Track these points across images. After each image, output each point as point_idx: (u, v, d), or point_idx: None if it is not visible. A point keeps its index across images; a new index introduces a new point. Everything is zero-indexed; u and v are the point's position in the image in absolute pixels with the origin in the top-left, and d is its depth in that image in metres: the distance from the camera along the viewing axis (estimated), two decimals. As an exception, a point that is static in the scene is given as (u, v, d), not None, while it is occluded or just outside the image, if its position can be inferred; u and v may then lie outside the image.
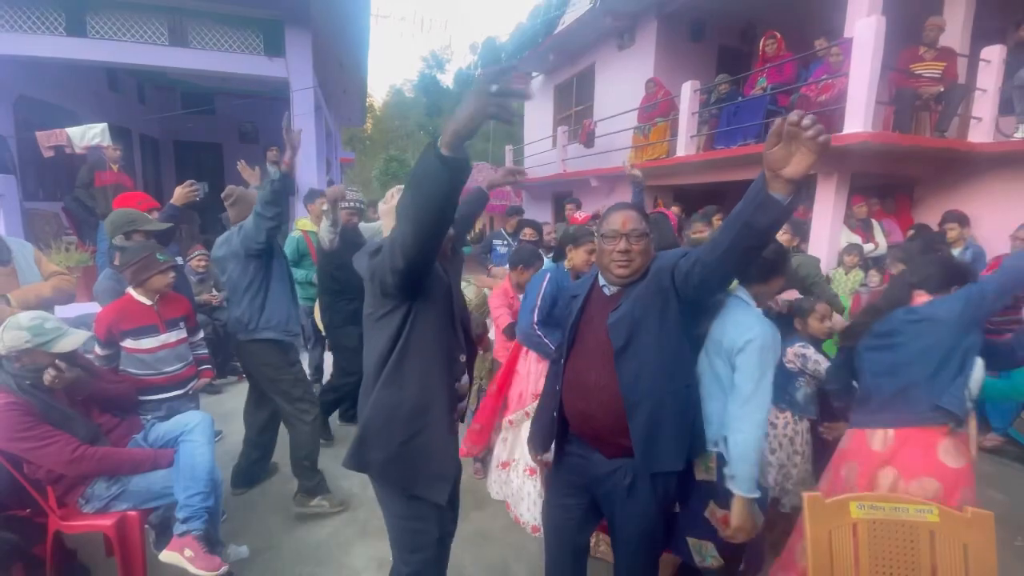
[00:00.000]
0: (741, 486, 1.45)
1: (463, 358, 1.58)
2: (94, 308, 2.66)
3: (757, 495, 1.46)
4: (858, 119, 4.49)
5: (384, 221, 1.63)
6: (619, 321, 1.50)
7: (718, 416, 1.55)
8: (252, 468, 3.02)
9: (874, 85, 4.47)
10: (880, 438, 1.79)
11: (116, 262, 2.55)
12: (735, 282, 1.70)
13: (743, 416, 1.47)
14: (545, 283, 2.56)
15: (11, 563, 1.89)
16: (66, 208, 6.19)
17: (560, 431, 1.70)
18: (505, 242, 5.41)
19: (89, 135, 4.97)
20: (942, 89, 5.00)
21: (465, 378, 1.61)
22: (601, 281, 1.63)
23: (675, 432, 1.50)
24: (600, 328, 1.55)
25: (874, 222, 5.13)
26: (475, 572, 2.41)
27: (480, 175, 13.01)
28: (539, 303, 2.52)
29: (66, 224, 6.07)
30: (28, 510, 2.07)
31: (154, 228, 2.68)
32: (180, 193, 2.98)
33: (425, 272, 1.34)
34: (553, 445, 1.74)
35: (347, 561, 2.47)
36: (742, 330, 1.52)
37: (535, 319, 2.52)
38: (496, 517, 2.79)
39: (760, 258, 1.56)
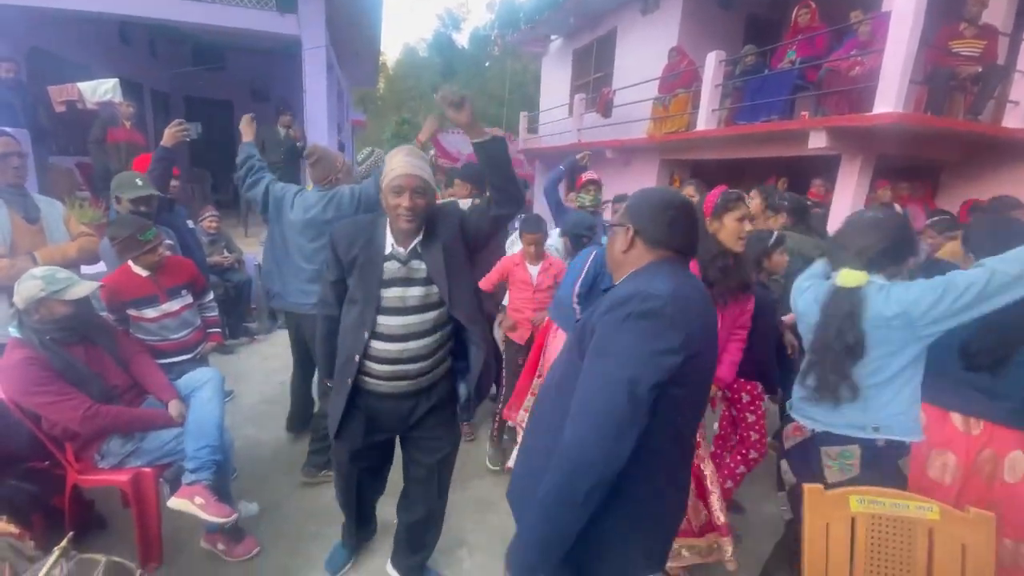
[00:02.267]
0: None
1: (366, 334, 1.70)
2: (95, 268, 2.66)
3: None
4: (889, 98, 4.31)
5: (393, 158, 1.66)
6: None
7: (892, 401, 1.55)
8: (305, 412, 3.13)
9: (910, 62, 4.28)
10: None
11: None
12: (864, 275, 1.60)
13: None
14: (590, 261, 2.47)
15: (31, 513, 1.97)
16: (81, 163, 6.20)
17: None
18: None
19: (101, 90, 4.93)
20: (979, 69, 4.77)
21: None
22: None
23: None
24: None
25: (897, 207, 4.99)
26: (476, 539, 2.49)
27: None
28: (582, 277, 2.45)
29: (80, 180, 6.08)
30: (47, 463, 2.15)
31: (137, 195, 2.60)
32: (169, 133, 2.85)
33: None
34: None
35: (379, 515, 2.52)
36: (905, 297, 1.50)
37: (576, 290, 2.46)
38: (497, 486, 2.86)
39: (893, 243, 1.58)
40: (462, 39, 29.95)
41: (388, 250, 1.68)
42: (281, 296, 2.79)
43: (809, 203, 4.95)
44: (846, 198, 4.99)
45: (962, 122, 4.83)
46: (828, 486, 1.55)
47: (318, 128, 6.41)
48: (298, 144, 6.33)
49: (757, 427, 2.43)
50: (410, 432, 1.91)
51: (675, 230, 1.22)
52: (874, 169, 4.97)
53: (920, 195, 5.54)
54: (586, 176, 3.68)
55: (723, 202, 2.06)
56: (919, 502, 1.48)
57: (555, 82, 12.46)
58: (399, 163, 1.61)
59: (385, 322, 1.69)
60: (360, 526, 2.26)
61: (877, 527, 1.49)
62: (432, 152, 15.03)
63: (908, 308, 1.49)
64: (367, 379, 1.77)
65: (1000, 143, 4.89)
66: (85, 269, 2.56)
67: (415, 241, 1.70)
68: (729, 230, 2.06)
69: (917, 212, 5.17)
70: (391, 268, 1.68)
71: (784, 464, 1.85)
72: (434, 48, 30.18)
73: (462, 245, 1.76)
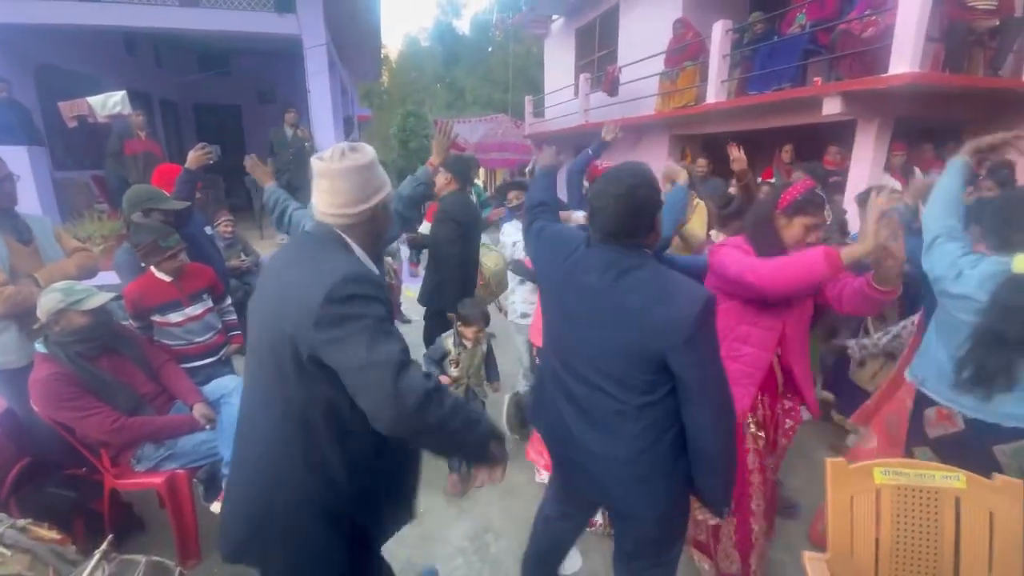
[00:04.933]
0: None
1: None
2: (113, 278, 2.71)
3: None
4: (905, 57, 4.17)
5: (331, 183, 1.21)
6: None
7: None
8: None
9: (924, 19, 4.12)
10: None
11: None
12: None
13: None
14: None
15: (73, 517, 2.06)
16: (96, 176, 6.32)
17: None
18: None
19: (110, 104, 5.01)
20: (997, 23, 4.56)
21: None
22: None
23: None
24: None
25: (917, 171, 4.85)
26: (503, 525, 2.54)
27: (499, 128, 12.70)
28: None
29: (96, 192, 6.21)
30: (84, 469, 2.24)
31: (171, 207, 2.65)
32: (193, 157, 2.92)
33: None
34: None
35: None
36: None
37: None
38: (521, 472, 2.89)
39: None
40: (463, 26, 29.71)
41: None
42: None
43: (824, 171, 4.84)
44: (863, 165, 4.86)
45: (982, 79, 4.65)
46: None
47: (324, 127, 6.43)
48: (307, 144, 6.36)
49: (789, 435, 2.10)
50: None
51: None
52: (891, 134, 4.82)
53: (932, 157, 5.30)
54: (603, 165, 3.54)
55: (803, 202, 1.75)
56: (945, 471, 1.46)
57: (559, 63, 12.28)
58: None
59: None
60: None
61: (903, 498, 1.48)
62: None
63: None
64: None
65: (1023, 98, 4.70)
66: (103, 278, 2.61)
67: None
68: (795, 233, 1.77)
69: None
70: None
71: (921, 452, 1.79)
72: (435, 37, 29.97)
73: None
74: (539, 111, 12.82)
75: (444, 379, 2.68)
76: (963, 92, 4.64)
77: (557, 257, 1.50)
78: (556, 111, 11.50)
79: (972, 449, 1.63)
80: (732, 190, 3.40)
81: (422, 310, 3.36)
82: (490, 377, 2.91)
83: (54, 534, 1.51)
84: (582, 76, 9.96)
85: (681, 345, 1.25)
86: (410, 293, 6.38)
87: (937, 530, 1.45)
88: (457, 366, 2.72)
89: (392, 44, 32.13)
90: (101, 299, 2.07)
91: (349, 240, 1.25)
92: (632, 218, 1.33)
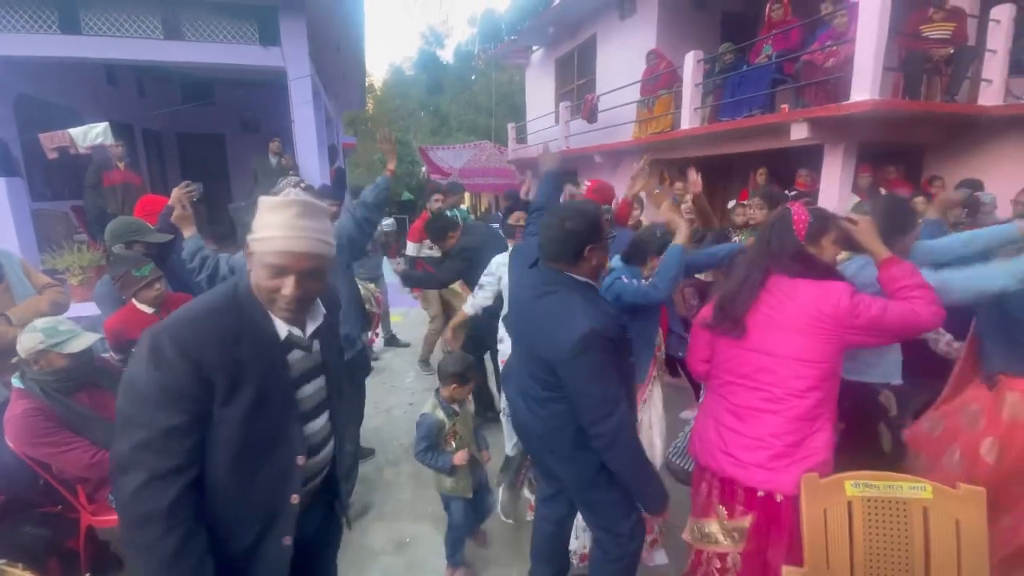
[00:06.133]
0: None
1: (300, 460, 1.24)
2: (93, 310, 2.68)
3: None
4: (865, 86, 4.39)
5: (274, 217, 1.10)
6: None
7: None
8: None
9: (881, 50, 4.36)
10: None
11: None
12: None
13: None
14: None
15: (47, 558, 2.01)
16: (76, 207, 6.27)
17: None
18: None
19: (92, 135, 5.00)
20: (951, 51, 4.86)
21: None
22: None
23: None
24: None
25: (883, 191, 5.05)
26: (492, 553, 2.52)
27: (483, 154, 12.92)
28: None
29: (76, 224, 6.15)
30: (60, 507, 2.18)
31: (154, 240, 2.65)
32: (177, 195, 2.95)
33: None
34: None
35: (365, 542, 2.57)
36: None
37: None
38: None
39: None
40: (447, 55, 30.29)
41: (284, 333, 1.18)
42: None
43: (795, 193, 5.02)
44: (832, 186, 5.05)
45: (938, 104, 4.91)
46: None
47: (309, 156, 6.48)
48: (290, 173, 6.39)
49: None
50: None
51: None
52: (857, 155, 5.04)
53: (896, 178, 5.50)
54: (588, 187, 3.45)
55: (819, 224, 1.66)
56: (912, 483, 1.52)
57: (540, 91, 12.61)
58: (283, 229, 1.08)
59: (309, 431, 1.27)
60: None
61: (873, 510, 1.53)
62: (423, 169, 15.14)
63: None
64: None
65: (978, 121, 4.96)
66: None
67: (318, 316, 1.28)
68: (829, 254, 1.68)
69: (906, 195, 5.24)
70: (295, 357, 1.23)
71: None
72: (420, 66, 30.50)
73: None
74: (522, 137, 13.09)
75: (459, 457, 2.21)
76: (922, 117, 4.89)
77: (518, 266, 1.89)
78: (538, 137, 11.75)
79: None
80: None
81: (416, 332, 3.38)
82: (480, 444, 2.45)
83: (28, 575, 1.48)
84: (562, 104, 10.25)
85: (563, 363, 1.56)
86: (396, 318, 6.38)
87: (907, 540, 1.50)
88: (455, 437, 2.29)
89: (377, 73, 32.58)
90: (84, 342, 2.03)
91: None
92: (559, 245, 1.61)
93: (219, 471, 1.09)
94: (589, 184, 3.43)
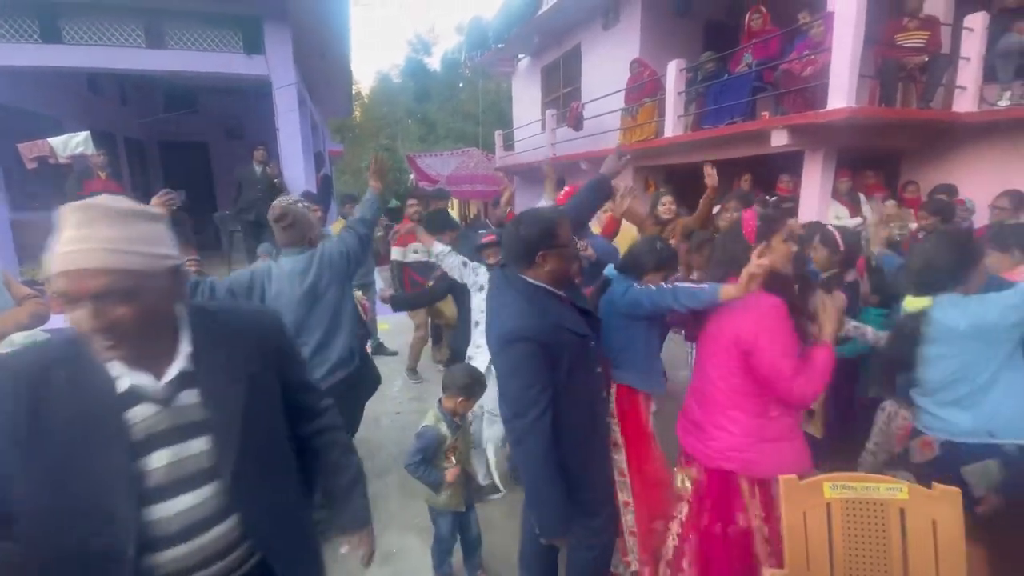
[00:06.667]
0: None
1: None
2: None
3: None
4: (842, 94, 4.49)
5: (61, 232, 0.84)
6: None
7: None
8: None
9: (857, 59, 4.46)
10: None
11: None
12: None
13: None
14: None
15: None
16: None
17: None
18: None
19: (72, 144, 4.95)
20: (926, 59, 4.98)
21: None
22: None
23: None
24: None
25: (861, 196, 5.16)
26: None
27: (471, 161, 12.94)
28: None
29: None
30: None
31: None
32: (156, 203, 2.90)
33: None
34: None
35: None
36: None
37: None
38: (496, 507, 2.87)
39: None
40: (434, 62, 30.37)
41: (126, 384, 0.90)
42: None
43: (775, 198, 5.10)
44: (812, 191, 5.15)
45: (913, 110, 5.03)
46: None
47: (294, 164, 6.46)
48: (275, 181, 6.37)
49: None
50: None
51: None
52: (836, 161, 5.13)
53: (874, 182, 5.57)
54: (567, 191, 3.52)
55: (766, 226, 1.74)
56: (888, 484, 1.55)
57: (526, 99, 12.70)
58: (63, 244, 0.82)
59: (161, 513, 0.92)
60: None
61: (851, 511, 1.55)
62: (411, 176, 15.11)
63: None
64: None
65: (953, 127, 5.08)
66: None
67: (179, 357, 0.95)
68: (779, 253, 1.73)
69: (882, 199, 5.35)
70: (141, 414, 0.91)
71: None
72: (407, 73, 30.53)
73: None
74: (509, 144, 13.15)
75: (451, 474, 2.16)
76: (898, 124, 5.00)
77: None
78: (525, 144, 11.82)
79: (946, 473, 1.70)
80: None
81: (402, 340, 3.41)
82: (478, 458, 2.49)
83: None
84: (548, 112, 10.33)
85: (493, 355, 1.76)
86: (384, 326, 6.34)
87: (885, 540, 1.52)
88: (455, 452, 2.22)
89: (364, 80, 32.62)
90: None
91: None
92: (513, 248, 1.70)
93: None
94: (567, 189, 3.48)
